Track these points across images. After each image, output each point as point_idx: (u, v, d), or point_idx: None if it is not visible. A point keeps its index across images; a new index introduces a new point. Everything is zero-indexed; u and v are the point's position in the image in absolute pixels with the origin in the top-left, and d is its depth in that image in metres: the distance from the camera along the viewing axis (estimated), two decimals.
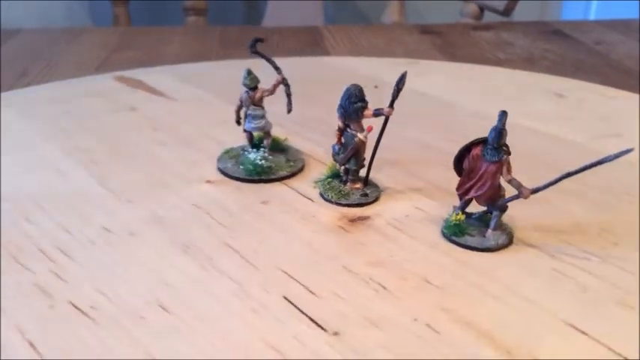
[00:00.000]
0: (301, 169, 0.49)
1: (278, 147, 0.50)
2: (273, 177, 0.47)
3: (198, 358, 0.31)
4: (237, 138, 0.51)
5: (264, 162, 0.47)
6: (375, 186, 0.46)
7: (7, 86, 0.69)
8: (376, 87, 0.60)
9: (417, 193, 0.45)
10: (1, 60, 0.80)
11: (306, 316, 0.33)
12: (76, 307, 0.34)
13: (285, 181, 0.47)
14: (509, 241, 0.39)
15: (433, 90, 0.68)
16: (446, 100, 0.66)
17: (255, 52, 0.46)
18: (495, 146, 0.37)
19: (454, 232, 0.39)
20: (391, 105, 0.41)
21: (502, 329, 0.32)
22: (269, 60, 0.46)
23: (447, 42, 0.92)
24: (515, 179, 0.37)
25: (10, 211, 0.43)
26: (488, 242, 0.39)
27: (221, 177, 0.48)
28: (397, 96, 0.41)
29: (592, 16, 1.71)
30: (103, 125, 0.58)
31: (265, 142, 0.49)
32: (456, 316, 0.33)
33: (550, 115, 0.62)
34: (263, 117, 0.48)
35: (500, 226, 0.40)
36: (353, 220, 0.42)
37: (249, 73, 0.47)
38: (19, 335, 0.32)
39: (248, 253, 0.39)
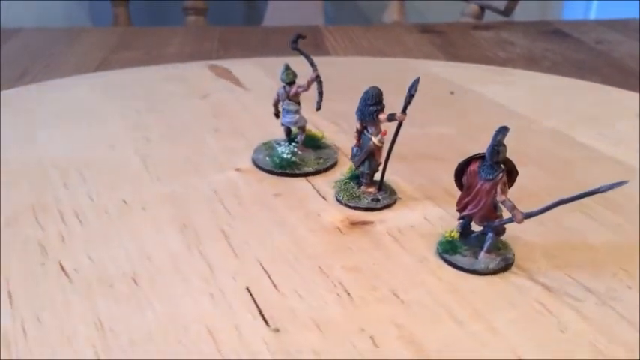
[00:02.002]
0: (329, 168, 0.48)
1: (313, 143, 0.50)
2: (297, 172, 0.47)
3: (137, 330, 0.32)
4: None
5: (290, 156, 0.48)
6: (392, 192, 0.45)
7: (7, 86, 0.69)
8: (452, 93, 0.58)
9: (433, 204, 0.44)
10: (1, 60, 0.80)
11: (258, 308, 0.34)
12: (62, 268, 0.37)
13: (309, 178, 0.47)
14: (504, 267, 0.37)
15: (512, 101, 0.64)
16: (522, 113, 0.62)
17: (295, 49, 0.46)
18: (491, 163, 0.35)
19: (446, 249, 0.38)
20: (404, 111, 0.40)
21: (448, 354, 0.31)
22: (307, 56, 0.47)
23: (447, 41, 0.92)
24: (508, 201, 0.35)
25: (55, 176, 0.48)
26: (477, 265, 0.37)
27: (251, 167, 0.49)
28: (410, 102, 0.40)
29: (592, 16, 1.70)
30: (170, 109, 0.61)
31: (299, 137, 0.49)
32: (406, 334, 0.32)
33: (623, 138, 0.56)
34: (297, 112, 0.48)
35: (496, 250, 0.37)
36: (354, 224, 0.42)
37: (287, 68, 0.47)
38: (4, 284, 0.36)
39: (237, 241, 0.40)
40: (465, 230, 0.38)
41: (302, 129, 0.49)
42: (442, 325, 0.33)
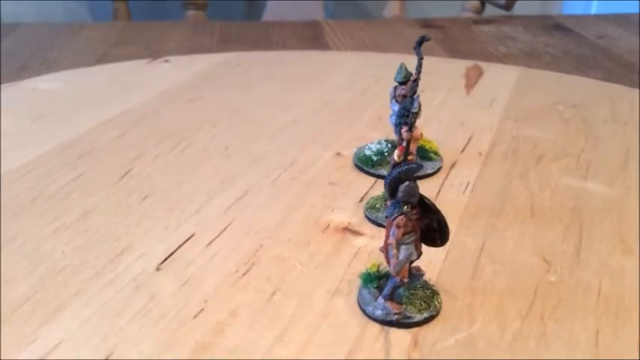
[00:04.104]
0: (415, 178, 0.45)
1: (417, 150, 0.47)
2: (370, 171, 0.47)
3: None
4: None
5: (372, 154, 0.48)
6: None
7: (7, 81, 0.69)
8: None
9: (452, 249, 0.38)
10: (1, 54, 0.80)
11: (173, 252, 0.37)
12: (123, 174, 0.47)
13: (380, 180, 0.45)
14: (390, 322, 0.31)
15: None
16: None
17: (416, 49, 0.44)
18: (390, 200, 0.30)
19: (363, 280, 0.34)
20: (410, 129, 0.37)
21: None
22: (420, 59, 0.44)
23: (448, 36, 0.91)
24: (394, 249, 0.30)
25: (227, 117, 0.58)
26: (369, 306, 0.32)
27: (350, 155, 0.50)
28: (415, 120, 0.37)
29: (593, 12, 1.70)
30: (374, 90, 0.66)
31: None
32: (222, 319, 0.32)
33: None
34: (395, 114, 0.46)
35: (396, 300, 0.32)
36: (345, 229, 0.40)
37: (400, 67, 0.45)
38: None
39: (241, 203, 0.43)
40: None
41: None
42: (263, 336, 0.31)
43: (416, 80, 0.43)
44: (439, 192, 0.45)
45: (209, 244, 0.38)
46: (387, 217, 0.30)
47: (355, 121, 0.57)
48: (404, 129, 0.38)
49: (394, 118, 0.45)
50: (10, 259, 0.37)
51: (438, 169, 0.47)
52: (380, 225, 0.41)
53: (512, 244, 0.38)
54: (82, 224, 0.40)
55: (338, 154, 0.50)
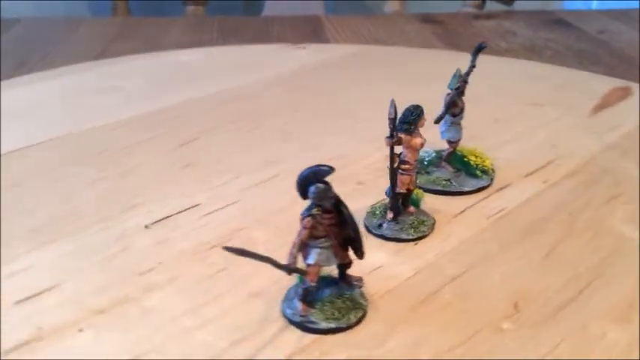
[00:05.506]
0: (445, 193, 0.43)
1: (462, 165, 0.44)
2: None
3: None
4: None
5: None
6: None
7: (6, 76, 0.69)
8: None
9: (449, 265, 0.36)
10: (1, 49, 0.79)
11: (167, 217, 0.40)
12: (187, 141, 0.51)
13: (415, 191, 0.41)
14: (294, 322, 0.31)
15: None
16: None
17: (472, 56, 0.42)
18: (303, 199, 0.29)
19: (299, 277, 0.33)
20: (391, 136, 0.36)
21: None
22: (471, 66, 0.42)
23: (448, 31, 0.91)
24: (293, 248, 0.29)
25: (278, 107, 0.59)
26: (284, 303, 0.32)
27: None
28: (394, 126, 0.36)
29: (593, 8, 1.69)
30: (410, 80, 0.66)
31: (446, 151, 0.45)
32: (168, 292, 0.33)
33: None
34: (446, 122, 0.43)
35: (311, 303, 0.31)
36: None
37: (455, 74, 0.42)
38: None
39: (262, 186, 0.44)
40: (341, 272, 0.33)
41: (450, 142, 0.44)
42: (181, 305, 0.32)
43: (458, 88, 0.41)
44: (462, 212, 0.41)
45: (206, 215, 0.40)
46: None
47: (430, 125, 0.52)
48: (401, 135, 0.37)
49: (443, 125, 0.44)
50: (43, 197, 0.42)
51: (479, 189, 0.43)
52: (369, 231, 0.39)
53: (496, 280, 0.34)
54: (118, 179, 0.45)
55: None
